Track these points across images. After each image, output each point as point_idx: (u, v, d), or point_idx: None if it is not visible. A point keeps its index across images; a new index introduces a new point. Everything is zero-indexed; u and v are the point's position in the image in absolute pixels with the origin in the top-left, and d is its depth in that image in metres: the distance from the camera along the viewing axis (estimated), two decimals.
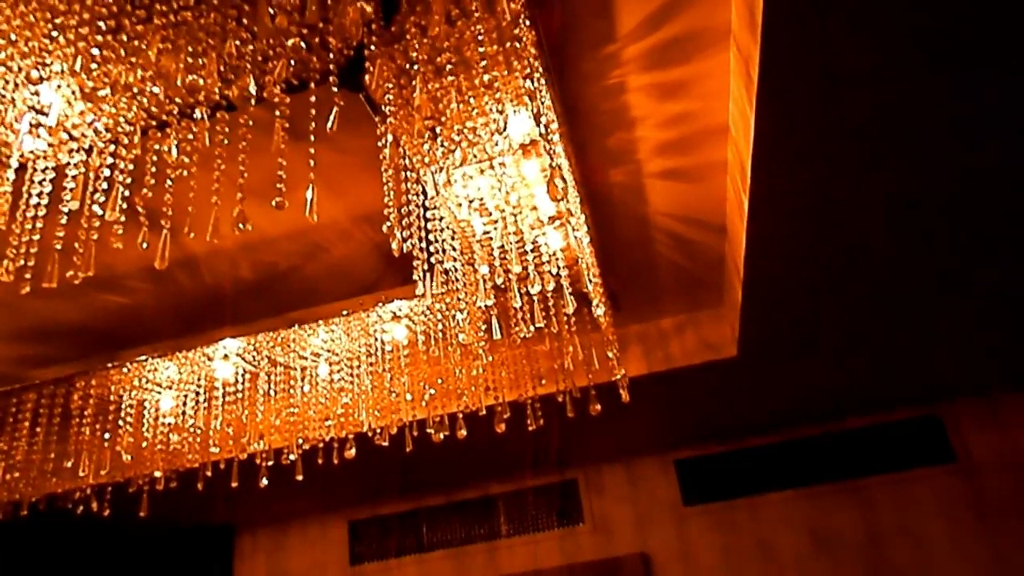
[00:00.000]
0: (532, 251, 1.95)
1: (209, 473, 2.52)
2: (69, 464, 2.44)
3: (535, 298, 1.96)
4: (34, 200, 1.47)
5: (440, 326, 2.31)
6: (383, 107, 1.44)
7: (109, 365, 2.36)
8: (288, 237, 2.12)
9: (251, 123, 1.41)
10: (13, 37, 1.25)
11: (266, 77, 1.33)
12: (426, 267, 1.62)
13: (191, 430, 2.52)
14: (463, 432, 2.37)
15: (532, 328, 1.98)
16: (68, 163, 1.45)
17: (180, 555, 3.97)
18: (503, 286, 2.05)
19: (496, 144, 1.57)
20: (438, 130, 1.55)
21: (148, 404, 2.52)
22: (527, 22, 1.36)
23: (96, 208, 1.42)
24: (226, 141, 1.44)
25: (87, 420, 2.46)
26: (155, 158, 1.43)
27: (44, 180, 1.49)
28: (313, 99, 1.39)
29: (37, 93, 1.28)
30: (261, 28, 1.25)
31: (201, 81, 1.24)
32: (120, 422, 2.48)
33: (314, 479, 3.26)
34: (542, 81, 1.45)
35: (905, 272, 2.30)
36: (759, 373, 2.89)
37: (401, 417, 2.43)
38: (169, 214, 1.36)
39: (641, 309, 2.74)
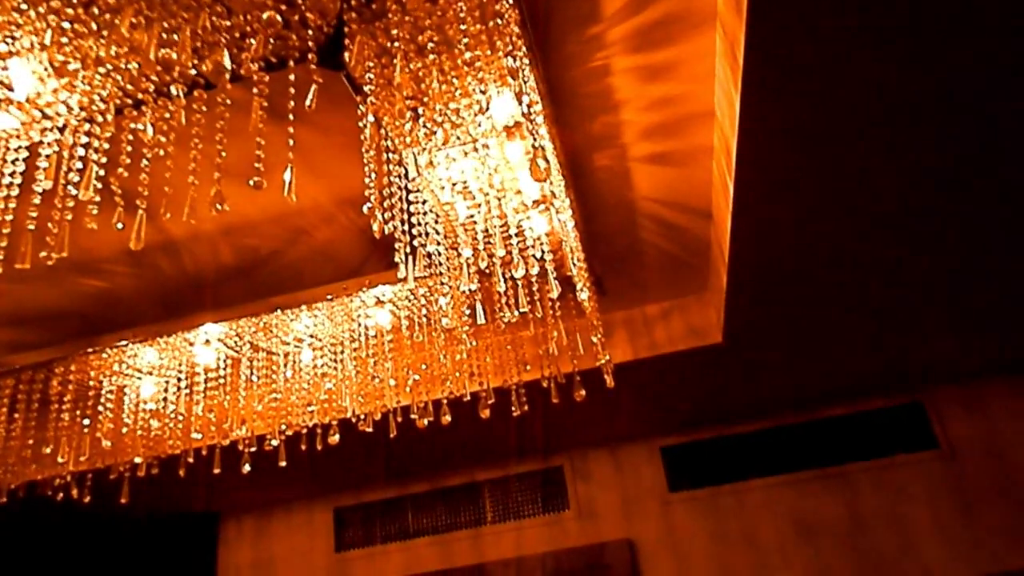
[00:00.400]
0: (516, 235, 1.93)
1: (191, 460, 2.49)
2: (48, 450, 2.41)
3: (519, 283, 1.95)
4: (6, 180, 1.44)
5: (424, 311, 2.29)
6: (364, 86, 1.42)
7: (89, 350, 2.33)
8: (270, 220, 2.09)
9: (229, 102, 1.38)
10: None
11: (243, 55, 1.30)
12: (408, 250, 1.60)
13: (172, 416, 2.50)
14: (447, 418, 2.35)
15: (516, 313, 1.96)
16: (41, 142, 1.41)
17: (165, 543, 3.95)
18: (487, 271, 2.03)
19: (479, 125, 1.55)
20: (420, 111, 1.53)
21: (128, 390, 2.49)
22: (510, 0, 1.34)
23: (71, 189, 1.39)
24: (203, 120, 1.41)
25: (67, 406, 2.43)
26: (131, 137, 1.40)
27: (17, 160, 1.46)
28: (292, 77, 1.37)
29: (6, 68, 1.25)
30: (236, 2, 1.22)
31: (175, 56, 1.22)
32: (100, 408, 2.45)
33: (299, 466, 3.25)
34: (525, 61, 1.43)
35: (890, 257, 2.30)
36: (744, 359, 2.89)
37: (385, 403, 2.41)
38: (145, 194, 1.33)
39: (626, 295, 2.74)
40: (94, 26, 1.19)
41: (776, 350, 2.88)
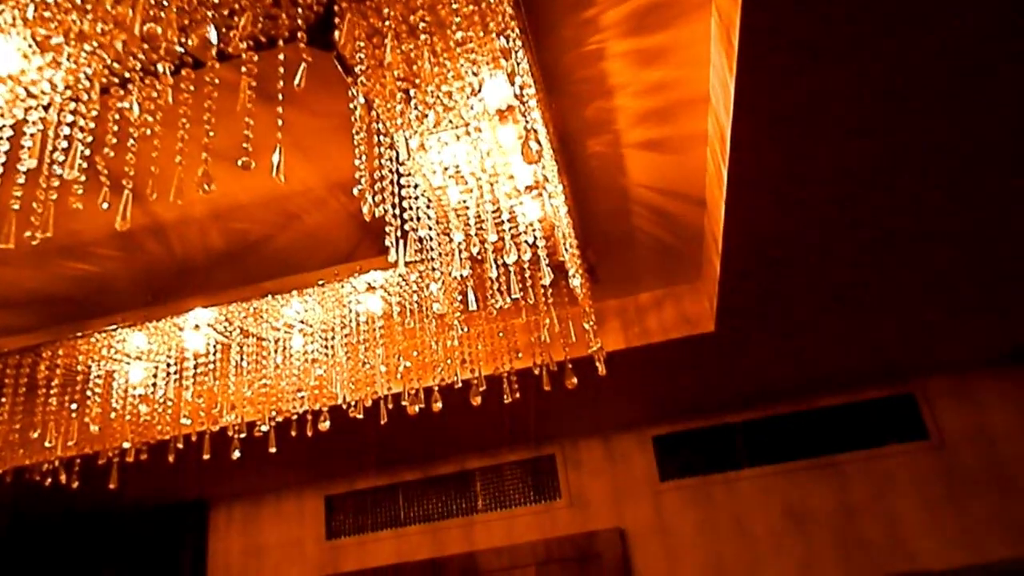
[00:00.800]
0: (508, 221, 1.92)
1: (180, 446, 2.48)
2: (36, 435, 2.40)
3: (511, 269, 1.94)
4: None
5: (415, 298, 2.28)
6: (355, 67, 1.40)
7: (77, 335, 2.31)
8: (260, 204, 2.08)
9: (217, 81, 1.36)
10: None
11: (231, 32, 1.28)
12: (399, 234, 1.58)
13: (161, 401, 2.48)
14: (438, 405, 2.34)
15: (508, 299, 1.95)
16: (25, 120, 1.39)
17: (155, 530, 3.94)
18: (479, 257, 2.02)
19: (472, 108, 1.53)
20: (412, 92, 1.51)
21: (117, 375, 2.47)
22: None
23: (56, 169, 1.37)
24: (191, 100, 1.39)
25: (54, 391, 2.41)
26: (116, 116, 1.38)
27: (1, 139, 1.44)
28: (282, 57, 1.35)
29: None
30: None
31: (159, 30, 1.19)
32: (89, 393, 2.43)
33: (289, 453, 3.24)
34: (518, 43, 1.41)
35: (883, 248, 2.29)
36: (736, 348, 2.89)
37: (376, 390, 2.40)
38: (131, 174, 1.31)
39: (619, 283, 2.73)
40: (78, 0, 1.17)
41: (769, 339, 2.88)
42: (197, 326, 2.31)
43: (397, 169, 1.73)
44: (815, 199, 2.00)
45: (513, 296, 1.94)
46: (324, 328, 2.39)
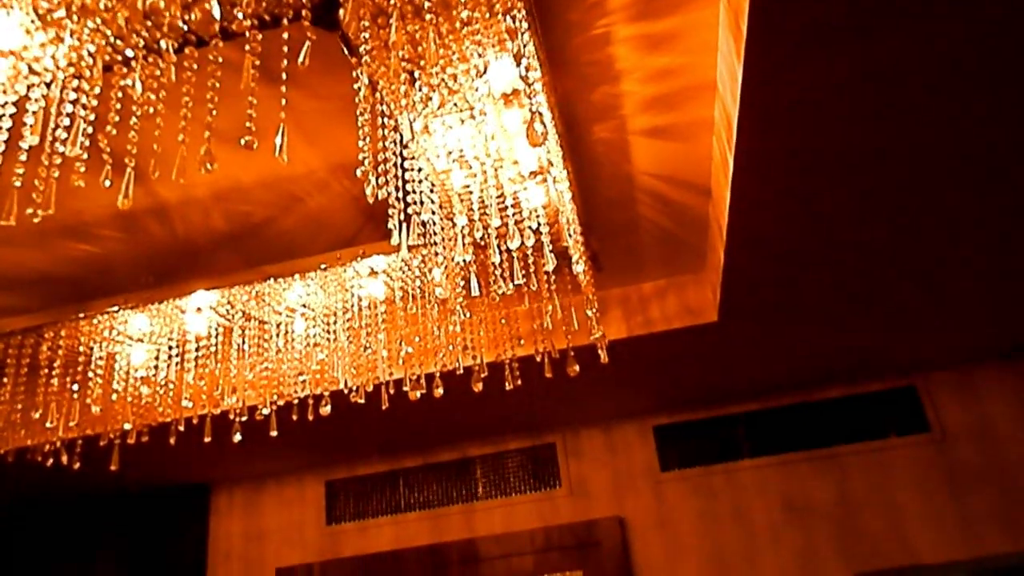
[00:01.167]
0: (512, 206, 1.91)
1: (182, 428, 2.48)
2: (38, 415, 2.40)
3: (515, 254, 1.93)
4: None
5: (418, 283, 2.27)
6: (359, 47, 1.39)
7: (79, 316, 2.31)
8: (263, 186, 2.07)
9: (220, 60, 1.35)
10: None
11: (235, 10, 1.27)
12: (402, 217, 1.57)
13: (163, 383, 2.48)
14: (440, 391, 2.34)
15: (511, 285, 1.95)
16: (28, 97, 1.38)
17: (156, 512, 3.95)
18: (482, 242, 2.01)
19: (477, 90, 1.52)
20: (417, 74, 1.50)
21: (119, 357, 2.47)
22: None
23: (58, 146, 1.36)
24: (194, 79, 1.38)
25: (56, 372, 2.41)
26: (119, 94, 1.37)
27: (3, 115, 1.43)
28: (286, 36, 1.34)
29: None
30: None
31: (162, 4, 1.18)
32: (90, 374, 2.43)
33: (290, 438, 3.25)
34: (524, 25, 1.40)
35: (889, 241, 2.28)
36: (738, 338, 2.88)
37: (378, 375, 2.40)
38: (133, 152, 1.30)
39: (622, 272, 2.72)
40: None
41: (771, 330, 2.87)
42: (199, 309, 2.31)
43: (401, 152, 1.72)
44: (822, 189, 1.99)
45: (516, 282, 1.93)
46: (326, 312, 2.39)
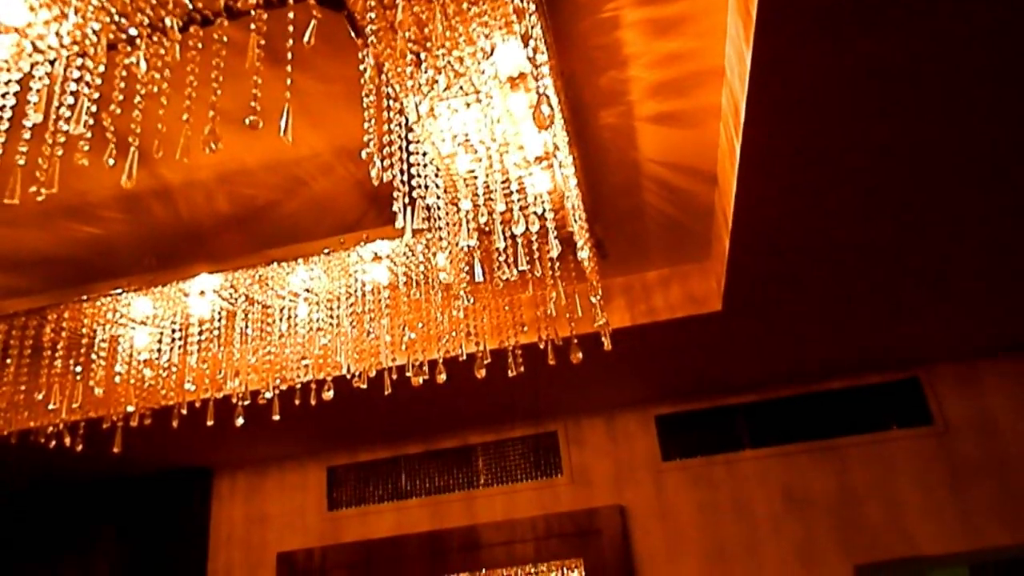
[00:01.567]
0: (517, 191, 1.90)
1: (184, 412, 2.49)
2: (40, 396, 2.40)
3: (519, 240, 1.92)
4: None
5: (422, 268, 2.26)
6: (365, 28, 1.38)
7: (83, 298, 2.31)
8: (267, 169, 2.06)
9: (225, 39, 1.35)
10: None
11: None
12: (406, 200, 1.57)
13: (166, 366, 2.48)
14: (442, 377, 2.34)
15: (515, 271, 1.94)
16: (32, 75, 1.37)
17: (159, 495, 3.96)
18: (486, 228, 2.01)
19: (483, 73, 1.51)
20: (423, 56, 1.49)
21: (122, 340, 2.47)
22: None
23: (61, 124, 1.35)
24: (199, 58, 1.38)
25: (59, 353, 2.41)
26: (124, 73, 1.37)
27: (7, 93, 1.42)
28: (291, 16, 1.33)
29: None
30: None
31: None
32: (93, 356, 2.43)
33: (293, 424, 3.25)
34: (531, 6, 1.38)
35: (895, 233, 2.27)
36: (742, 328, 2.87)
37: (380, 361, 2.40)
38: (137, 131, 1.30)
39: (627, 261, 2.71)
40: None
41: (775, 321, 2.86)
42: (202, 292, 2.30)
43: (406, 135, 1.71)
44: (829, 179, 1.98)
45: (520, 267, 1.93)
46: (329, 297, 2.39)
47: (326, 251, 2.20)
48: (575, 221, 1.91)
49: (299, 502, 3.93)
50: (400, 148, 1.59)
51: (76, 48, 1.38)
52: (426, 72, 1.51)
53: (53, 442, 2.55)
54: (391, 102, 1.57)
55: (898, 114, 1.74)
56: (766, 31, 1.48)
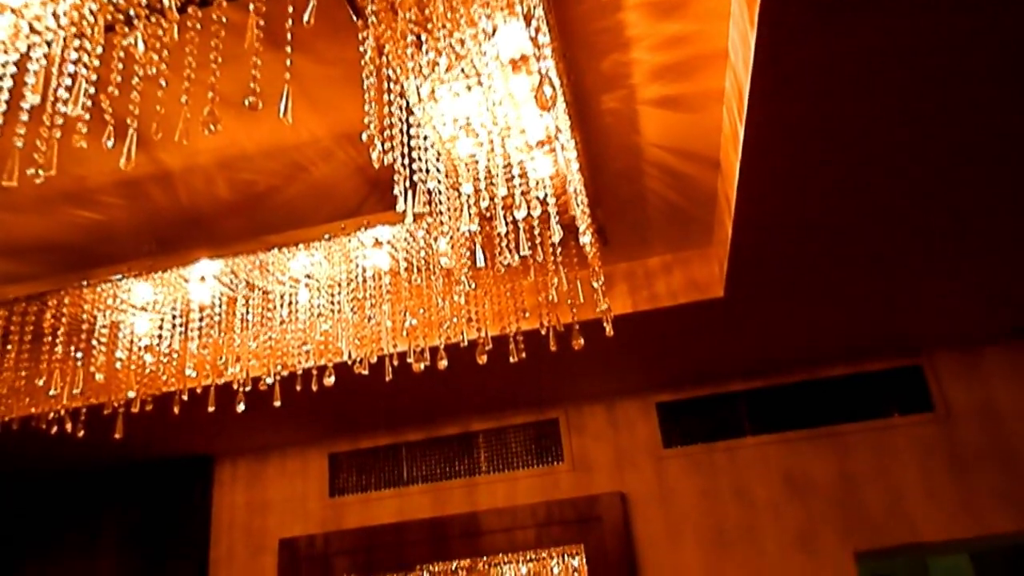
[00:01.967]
0: (519, 176, 1.89)
1: (185, 398, 2.48)
2: (41, 382, 2.40)
3: (520, 225, 1.91)
4: None
5: (423, 254, 2.26)
6: (365, 8, 1.37)
7: (83, 283, 2.30)
8: (267, 154, 2.05)
9: (224, 20, 1.33)
10: None
11: None
12: (407, 184, 1.56)
13: (166, 352, 2.48)
14: (444, 363, 2.34)
15: (517, 257, 1.93)
16: (29, 57, 1.36)
17: (161, 482, 3.97)
18: (488, 213, 2.00)
19: (485, 54, 1.49)
20: (423, 38, 1.47)
21: (123, 326, 2.47)
22: None
23: (59, 106, 1.34)
24: (197, 39, 1.36)
25: (60, 340, 2.41)
26: (122, 54, 1.35)
27: (4, 76, 1.41)
28: None
29: None
30: None
31: None
32: (94, 342, 2.43)
33: (294, 410, 3.25)
34: None
35: (899, 218, 2.26)
36: (744, 314, 2.87)
37: (382, 347, 2.40)
38: (136, 113, 1.29)
39: (628, 247, 2.70)
40: None
41: (777, 307, 2.85)
42: (203, 278, 2.30)
43: (406, 119, 1.70)
44: (833, 164, 1.96)
45: (522, 253, 1.92)
46: (330, 283, 2.38)
47: (327, 237, 2.20)
48: (577, 205, 1.89)
49: (301, 489, 3.94)
50: (401, 131, 1.58)
51: (74, 29, 1.36)
52: (427, 54, 1.50)
53: (55, 428, 2.55)
54: (391, 84, 1.56)
55: (906, 96, 1.72)
56: (771, 12, 1.46)
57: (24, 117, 1.33)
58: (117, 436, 2.46)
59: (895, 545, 3.23)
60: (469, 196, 1.79)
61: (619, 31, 1.73)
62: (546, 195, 1.90)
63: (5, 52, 1.37)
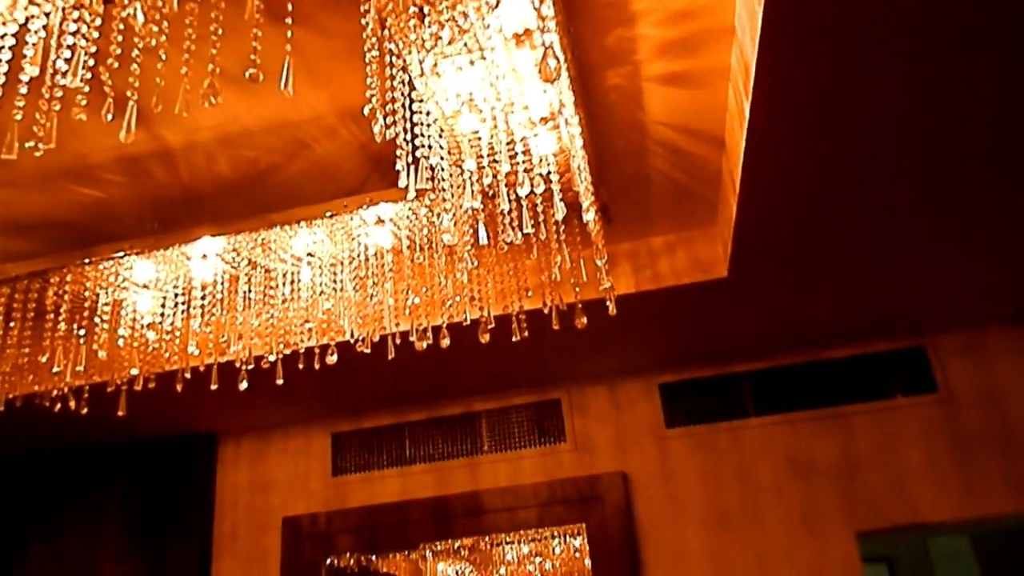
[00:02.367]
0: (523, 153, 1.87)
1: (188, 376, 2.48)
2: (44, 359, 2.40)
3: (524, 202, 1.90)
4: None
5: (425, 232, 2.24)
6: None
7: (85, 261, 2.30)
8: (269, 131, 2.03)
9: None
10: None
11: None
12: (409, 160, 1.54)
13: (169, 329, 2.48)
14: (446, 342, 2.33)
15: (520, 234, 1.92)
16: (27, 28, 1.35)
17: (165, 461, 3.99)
18: (491, 190, 1.98)
19: (488, 27, 1.48)
20: (426, 10, 1.45)
21: (125, 303, 2.47)
22: None
23: (58, 79, 1.33)
24: (197, 11, 1.34)
25: (63, 317, 2.41)
26: (121, 26, 1.34)
27: (3, 47, 1.40)
28: None
29: None
30: None
31: None
32: (96, 320, 2.43)
33: (296, 389, 3.25)
34: None
35: (904, 199, 2.24)
36: (748, 294, 2.86)
37: (384, 326, 2.39)
38: (136, 85, 1.27)
39: (632, 225, 2.69)
40: None
41: (781, 287, 2.84)
42: (205, 255, 2.29)
43: (409, 93, 1.68)
44: (841, 141, 1.94)
45: (525, 231, 1.90)
46: (333, 261, 2.37)
47: (329, 214, 2.19)
48: (581, 183, 1.88)
49: (304, 468, 3.95)
50: (403, 106, 1.56)
51: (72, 1, 1.35)
52: (429, 27, 1.48)
53: (58, 405, 2.55)
54: (393, 59, 1.54)
55: (913, 68, 1.70)
56: None
57: (23, 90, 1.32)
58: (120, 413, 2.46)
59: (897, 525, 3.24)
60: (472, 173, 1.77)
61: (624, 5, 1.71)
62: (549, 172, 1.88)
63: (3, 23, 1.35)
